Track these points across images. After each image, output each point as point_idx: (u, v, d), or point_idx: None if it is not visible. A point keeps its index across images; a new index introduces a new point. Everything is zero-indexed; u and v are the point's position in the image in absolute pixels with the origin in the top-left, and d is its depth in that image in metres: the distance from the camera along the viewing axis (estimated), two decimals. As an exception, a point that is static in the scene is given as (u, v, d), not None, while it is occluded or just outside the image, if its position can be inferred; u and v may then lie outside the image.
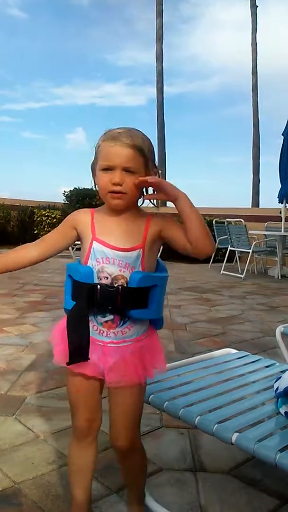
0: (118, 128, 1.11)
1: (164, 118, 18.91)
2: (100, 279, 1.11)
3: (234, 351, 1.87)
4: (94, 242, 1.12)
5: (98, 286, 1.09)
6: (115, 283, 1.10)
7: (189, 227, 1.10)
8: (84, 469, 1.22)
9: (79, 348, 1.09)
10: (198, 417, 1.19)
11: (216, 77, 39.93)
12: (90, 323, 1.12)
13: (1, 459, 1.60)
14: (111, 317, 1.11)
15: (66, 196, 11.68)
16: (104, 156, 1.09)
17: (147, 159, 1.10)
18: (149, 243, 1.13)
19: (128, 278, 1.10)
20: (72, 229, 1.18)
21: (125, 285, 1.10)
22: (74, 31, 39.00)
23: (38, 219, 10.68)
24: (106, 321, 1.12)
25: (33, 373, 2.44)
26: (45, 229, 10.58)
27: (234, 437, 1.09)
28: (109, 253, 1.10)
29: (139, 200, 1.17)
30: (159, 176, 1.15)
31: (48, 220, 10.67)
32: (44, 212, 10.79)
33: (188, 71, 33.86)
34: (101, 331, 1.13)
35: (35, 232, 10.19)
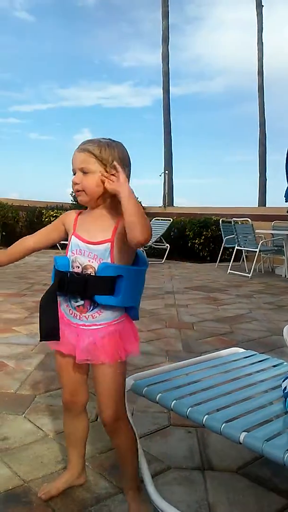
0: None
1: (170, 118, 18.89)
2: (73, 268, 1.27)
3: (241, 350, 1.87)
4: (73, 237, 1.30)
5: (68, 274, 1.25)
6: (85, 271, 1.25)
7: (125, 214, 1.18)
8: (75, 435, 1.43)
9: (49, 329, 1.25)
10: (206, 416, 1.19)
11: (221, 77, 39.70)
12: (66, 307, 1.29)
13: (11, 458, 1.61)
14: (82, 302, 1.26)
15: (74, 197, 11.71)
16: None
17: (101, 160, 1.23)
18: (119, 238, 1.24)
19: (96, 268, 1.23)
20: (62, 224, 1.37)
21: (93, 274, 1.23)
22: (80, 33, 39.04)
23: (46, 219, 10.73)
24: (78, 306, 1.27)
25: (42, 373, 2.46)
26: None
27: (242, 436, 1.10)
28: (82, 245, 1.26)
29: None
30: (127, 175, 1.26)
31: (56, 220, 10.71)
32: (52, 213, 10.85)
33: (194, 72, 33.69)
34: (75, 314, 1.28)
35: (42, 232, 10.24)
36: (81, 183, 1.25)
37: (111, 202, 1.27)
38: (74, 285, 1.24)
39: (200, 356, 1.81)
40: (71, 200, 11.85)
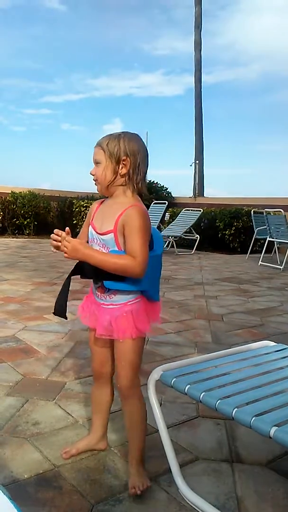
0: None
1: (202, 107, 18.58)
2: None
3: (272, 343, 1.84)
4: (90, 226, 1.43)
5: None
6: None
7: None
8: (100, 403, 1.58)
9: (58, 306, 1.45)
10: (236, 409, 1.18)
11: (256, 64, 38.55)
12: (93, 288, 1.45)
13: (42, 442, 1.65)
14: (99, 284, 1.40)
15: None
16: None
17: (109, 152, 1.34)
18: (121, 230, 1.32)
19: None
20: (89, 217, 1.46)
21: None
22: (112, 21, 38.80)
23: (77, 209, 10.84)
24: (97, 287, 1.42)
25: (72, 360, 2.50)
26: (84, 219, 10.73)
27: (273, 430, 1.08)
28: (94, 234, 1.40)
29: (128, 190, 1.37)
30: (134, 164, 1.35)
31: (87, 211, 10.80)
32: (82, 203, 10.93)
33: (227, 59, 32.90)
34: (97, 295, 1.43)
35: (74, 222, 10.36)
36: (95, 174, 1.38)
37: (122, 190, 1.38)
38: (87, 271, 1.38)
39: (230, 348, 1.79)
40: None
